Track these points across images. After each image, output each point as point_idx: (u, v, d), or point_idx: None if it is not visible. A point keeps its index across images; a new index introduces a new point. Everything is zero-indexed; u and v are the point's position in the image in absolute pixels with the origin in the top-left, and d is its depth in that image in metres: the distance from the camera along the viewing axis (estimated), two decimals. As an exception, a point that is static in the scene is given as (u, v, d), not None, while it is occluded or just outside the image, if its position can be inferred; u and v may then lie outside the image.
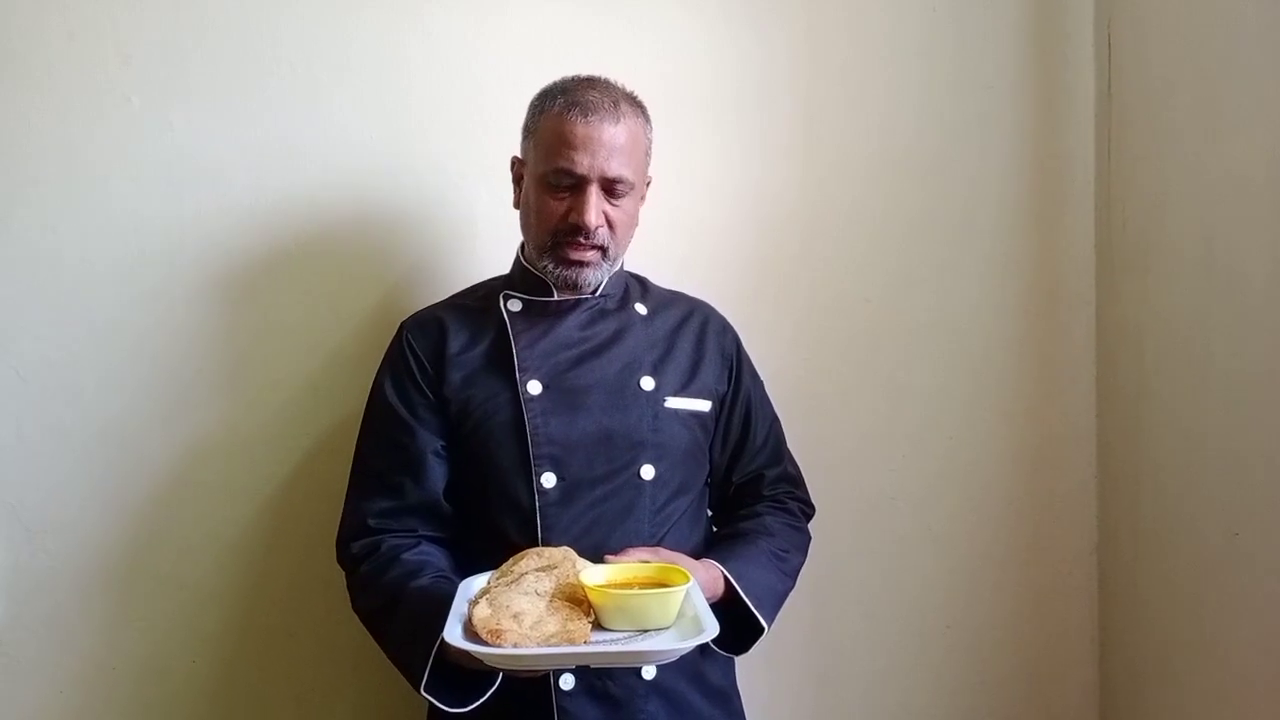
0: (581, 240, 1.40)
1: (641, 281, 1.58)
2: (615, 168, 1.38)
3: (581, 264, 1.41)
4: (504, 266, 1.56)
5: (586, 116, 1.38)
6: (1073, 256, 1.93)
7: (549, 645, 1.13)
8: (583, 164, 1.37)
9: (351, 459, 1.49)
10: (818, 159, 1.88)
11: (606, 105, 1.39)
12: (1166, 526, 1.74)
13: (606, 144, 1.38)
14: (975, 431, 1.92)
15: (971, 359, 1.92)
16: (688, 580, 1.21)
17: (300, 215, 1.71)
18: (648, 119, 1.47)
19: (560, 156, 1.38)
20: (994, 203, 1.92)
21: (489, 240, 1.72)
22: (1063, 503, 1.93)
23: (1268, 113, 1.51)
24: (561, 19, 1.79)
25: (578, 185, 1.39)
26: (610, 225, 1.41)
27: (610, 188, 1.40)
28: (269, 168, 1.70)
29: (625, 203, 1.43)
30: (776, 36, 1.86)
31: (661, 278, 1.62)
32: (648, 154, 1.47)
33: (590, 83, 1.44)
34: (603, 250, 1.42)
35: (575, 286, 1.44)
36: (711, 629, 1.15)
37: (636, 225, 1.49)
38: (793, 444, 1.63)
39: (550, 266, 1.42)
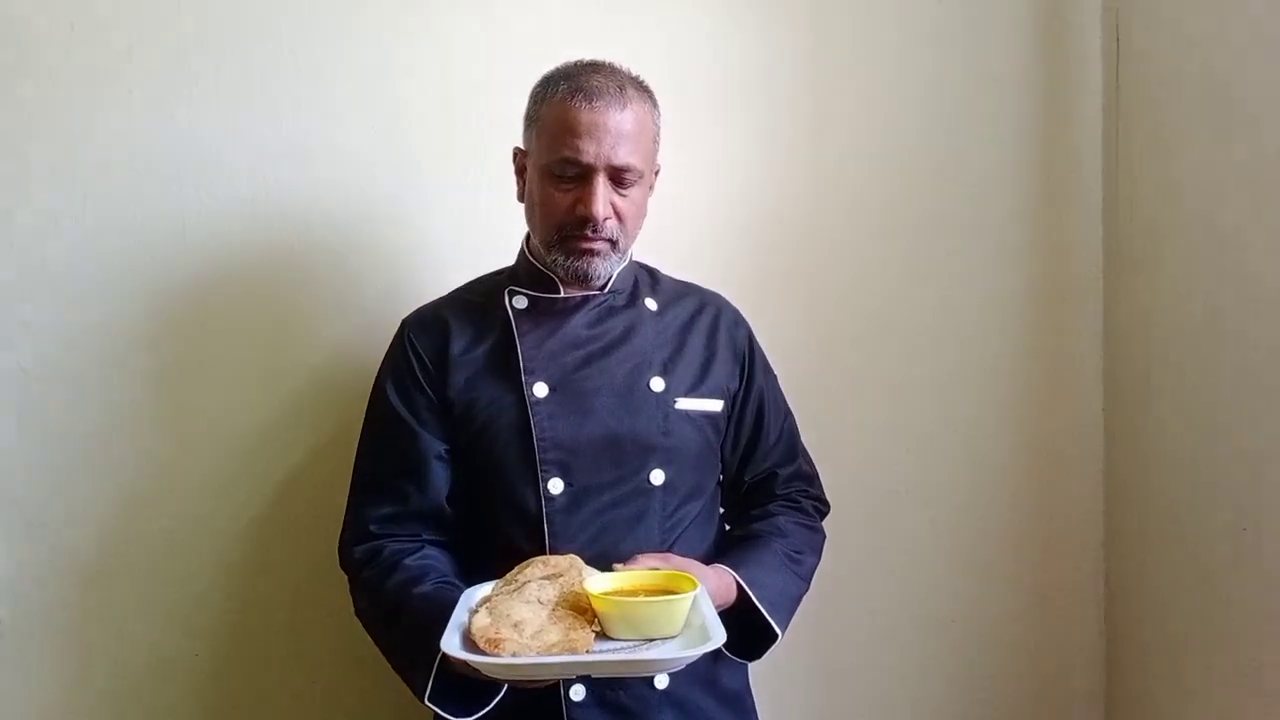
0: (589, 233, 1.33)
1: (651, 273, 1.52)
2: (622, 156, 1.32)
3: (591, 254, 1.35)
4: (505, 260, 1.52)
5: (591, 102, 1.31)
6: (1080, 249, 1.92)
7: (548, 655, 1.08)
8: (588, 152, 1.30)
9: (353, 456, 1.45)
10: (824, 153, 1.86)
11: (612, 90, 1.32)
12: (1174, 522, 1.74)
13: (613, 131, 1.31)
14: (982, 426, 1.91)
15: (978, 353, 1.90)
16: (695, 587, 1.17)
17: (302, 209, 1.69)
18: (655, 104, 1.40)
19: (565, 145, 1.31)
20: (1001, 196, 1.90)
21: (490, 234, 1.69)
22: (1070, 498, 1.93)
23: (1277, 104, 1.49)
24: (566, 11, 1.76)
25: (584, 175, 1.32)
26: (619, 216, 1.35)
27: (618, 177, 1.33)
28: (271, 162, 1.68)
29: (633, 193, 1.36)
30: (782, 31, 1.84)
31: (667, 273, 1.58)
32: (656, 141, 1.40)
33: (594, 67, 1.37)
34: (612, 242, 1.35)
35: (585, 278, 1.38)
36: (718, 637, 1.12)
37: (645, 216, 1.42)
38: (798, 439, 1.61)
39: (560, 259, 1.36)
